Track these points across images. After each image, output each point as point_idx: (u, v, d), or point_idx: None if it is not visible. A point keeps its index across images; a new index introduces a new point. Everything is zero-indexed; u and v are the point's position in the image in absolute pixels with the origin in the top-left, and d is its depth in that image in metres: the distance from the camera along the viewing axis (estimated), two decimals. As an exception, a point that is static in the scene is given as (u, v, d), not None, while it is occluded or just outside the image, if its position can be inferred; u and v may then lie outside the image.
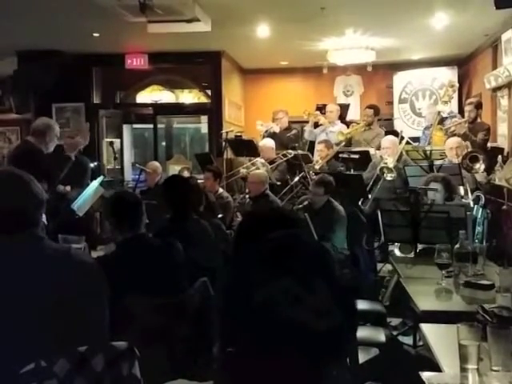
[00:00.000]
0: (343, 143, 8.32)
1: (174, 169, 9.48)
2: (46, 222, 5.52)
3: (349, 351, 1.05)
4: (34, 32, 7.85)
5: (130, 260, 2.86)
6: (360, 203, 6.54)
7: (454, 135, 7.37)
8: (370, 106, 9.11)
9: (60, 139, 6.17)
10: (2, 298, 1.91)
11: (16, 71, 9.22)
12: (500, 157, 6.83)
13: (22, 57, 9.17)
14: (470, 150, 6.78)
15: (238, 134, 9.66)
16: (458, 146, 6.72)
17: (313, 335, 0.97)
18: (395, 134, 7.80)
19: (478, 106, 8.21)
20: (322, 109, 9.25)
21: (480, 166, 6.16)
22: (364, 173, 7.17)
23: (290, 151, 7.93)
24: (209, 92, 10.40)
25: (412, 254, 4.32)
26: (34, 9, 6.74)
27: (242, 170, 7.83)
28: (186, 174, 7.91)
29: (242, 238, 1.82)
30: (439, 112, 8.35)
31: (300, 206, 5.80)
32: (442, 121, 8.40)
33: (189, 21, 6.69)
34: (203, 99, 10.85)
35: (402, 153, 7.25)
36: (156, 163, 7.57)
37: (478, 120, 8.16)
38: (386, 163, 6.88)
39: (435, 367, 2.16)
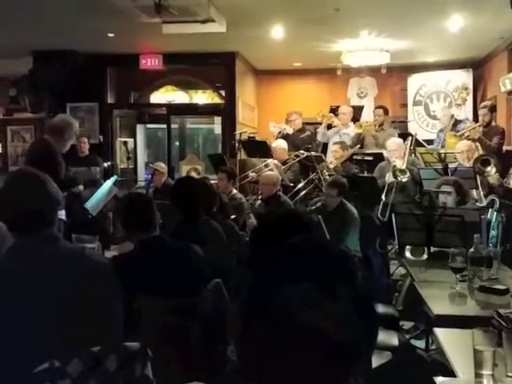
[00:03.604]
0: (358, 146, 8.31)
1: (186, 169, 9.50)
2: (65, 218, 5.52)
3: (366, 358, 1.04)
4: (49, 32, 7.90)
5: (149, 261, 2.87)
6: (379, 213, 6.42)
7: (469, 140, 7.32)
8: (379, 107, 9.20)
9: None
10: (17, 297, 1.92)
11: (31, 71, 9.29)
12: (515, 160, 6.78)
13: (37, 56, 9.24)
14: (480, 153, 6.74)
15: (252, 135, 9.66)
16: (468, 149, 6.69)
17: (332, 342, 0.96)
18: (408, 136, 7.76)
19: (492, 109, 8.16)
20: (335, 110, 9.23)
21: (491, 170, 6.11)
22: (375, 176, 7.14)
23: (302, 151, 7.92)
24: (222, 93, 10.41)
25: (424, 257, 4.30)
26: (50, 9, 6.78)
27: (251, 174, 7.86)
28: (193, 174, 7.93)
29: (257, 242, 1.82)
30: (453, 115, 8.33)
31: (313, 207, 5.78)
32: (455, 124, 8.36)
33: (203, 21, 6.69)
34: (217, 100, 10.87)
35: (411, 153, 7.23)
36: (162, 164, 7.66)
37: (493, 123, 8.11)
38: (394, 166, 6.84)
39: (449, 372, 2.14)
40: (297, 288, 0.98)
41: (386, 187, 6.63)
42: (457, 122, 8.42)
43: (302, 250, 1.07)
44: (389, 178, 6.75)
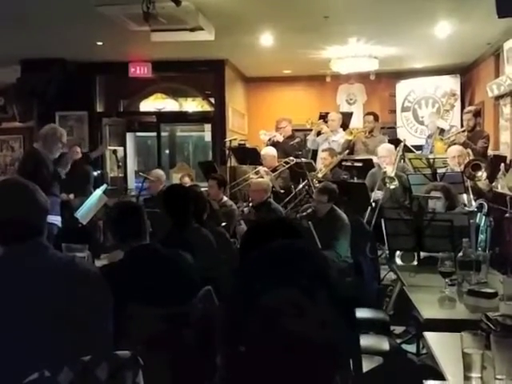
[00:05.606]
0: (347, 151, 8.33)
1: (177, 177, 9.49)
2: (60, 224, 5.68)
3: (352, 360, 1.05)
4: (37, 40, 7.88)
5: (139, 269, 2.86)
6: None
7: (454, 144, 7.39)
8: (369, 113, 9.23)
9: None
10: (6, 306, 1.91)
11: (19, 79, 9.26)
12: (503, 165, 6.83)
13: (25, 65, 9.23)
14: (472, 158, 6.78)
15: (242, 143, 9.68)
16: (459, 154, 6.73)
17: (313, 345, 0.97)
18: (398, 142, 7.81)
19: (477, 114, 8.26)
20: (325, 117, 9.27)
21: (482, 174, 6.16)
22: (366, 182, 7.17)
23: (291, 158, 7.94)
24: (212, 100, 10.43)
25: (414, 262, 4.32)
26: (38, 17, 6.77)
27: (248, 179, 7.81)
28: (186, 180, 7.87)
29: (247, 249, 1.82)
30: (438, 127, 8.44)
31: (304, 213, 5.78)
32: (442, 131, 8.46)
33: (192, 29, 6.70)
34: (206, 107, 10.88)
35: (400, 159, 7.28)
36: (159, 171, 7.48)
37: (477, 128, 8.19)
38: (385, 172, 6.88)
39: (439, 376, 2.16)
40: (277, 293, 0.99)
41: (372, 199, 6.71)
42: (443, 131, 8.52)
43: (280, 255, 1.08)
44: (375, 194, 6.80)
